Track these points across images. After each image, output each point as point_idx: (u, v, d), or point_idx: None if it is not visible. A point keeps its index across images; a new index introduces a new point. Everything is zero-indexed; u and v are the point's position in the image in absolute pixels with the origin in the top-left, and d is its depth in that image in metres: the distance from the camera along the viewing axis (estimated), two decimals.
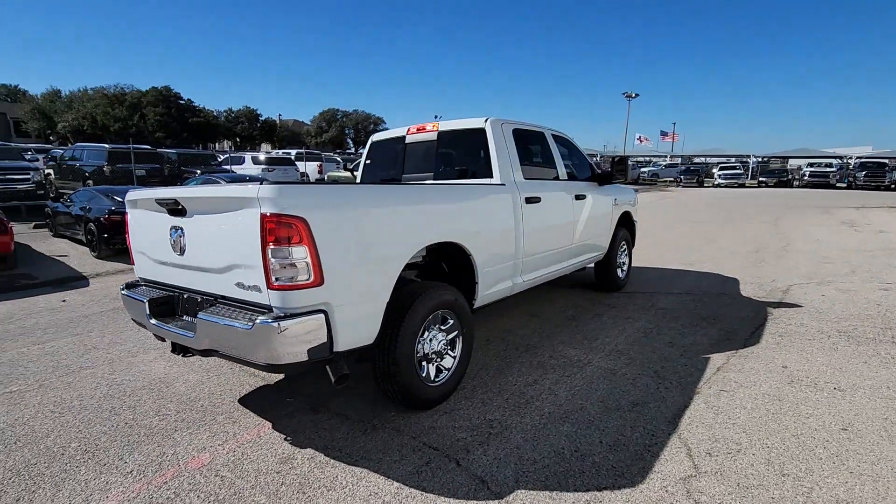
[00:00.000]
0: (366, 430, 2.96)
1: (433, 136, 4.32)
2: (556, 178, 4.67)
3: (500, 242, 3.72)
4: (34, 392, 3.62)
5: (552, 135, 4.85)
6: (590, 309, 5.41)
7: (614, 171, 5.40)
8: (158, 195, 2.83)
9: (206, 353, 2.66)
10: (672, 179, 41.20)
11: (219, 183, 11.14)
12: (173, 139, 48.48)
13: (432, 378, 3.15)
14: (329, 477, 2.50)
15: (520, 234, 3.91)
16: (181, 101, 52.58)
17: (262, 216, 2.26)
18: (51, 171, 16.23)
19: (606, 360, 3.93)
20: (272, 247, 2.27)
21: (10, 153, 13.77)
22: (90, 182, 14.59)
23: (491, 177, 3.92)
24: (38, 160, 16.19)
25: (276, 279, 2.30)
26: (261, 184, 2.28)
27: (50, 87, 60.78)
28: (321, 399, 3.37)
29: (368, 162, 4.92)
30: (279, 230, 2.25)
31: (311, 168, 20.23)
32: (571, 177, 5.17)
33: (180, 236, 2.74)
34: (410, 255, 2.87)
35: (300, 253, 2.29)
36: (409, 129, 4.56)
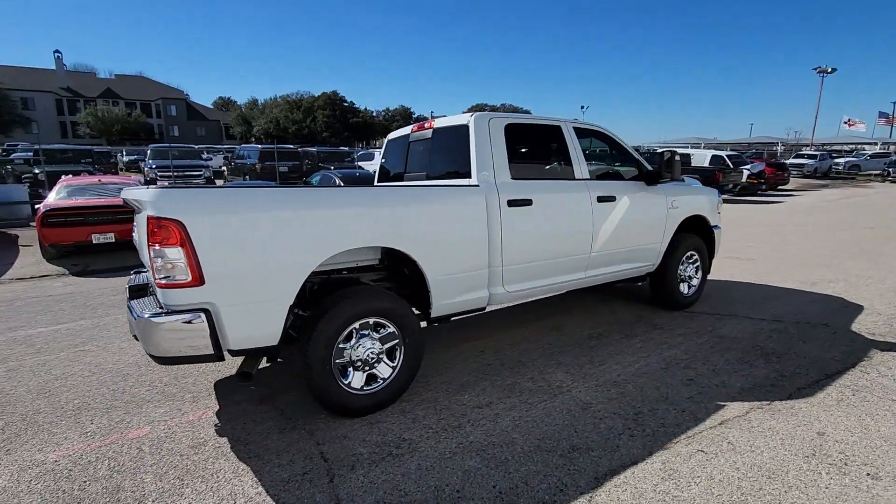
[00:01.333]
0: (285, 428, 3.02)
1: (429, 133, 4.16)
2: (572, 178, 4.13)
3: (465, 249, 3.43)
4: (95, 352, 4.43)
5: (574, 128, 4.29)
6: (626, 327, 4.70)
7: (661, 169, 4.55)
8: (123, 195, 3.23)
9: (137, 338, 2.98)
10: (878, 173, 33.14)
11: (332, 179, 12.17)
12: (337, 138, 54.58)
13: (359, 386, 3.07)
14: (214, 469, 2.62)
15: (498, 240, 3.57)
16: (345, 104, 58.85)
17: (148, 218, 2.44)
18: (225, 167, 19.52)
19: (590, 392, 3.39)
20: (155, 247, 2.43)
21: (190, 154, 17.02)
22: (247, 177, 17.23)
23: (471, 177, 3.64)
24: (211, 159, 19.69)
25: (159, 277, 2.46)
26: (147, 187, 2.46)
27: (250, 96, 73.02)
28: (277, 391, 3.52)
29: (383, 161, 4.93)
30: (159, 231, 2.41)
31: None
32: (607, 175, 4.53)
33: (134, 231, 3.11)
34: (319, 260, 2.81)
35: (176, 254, 2.42)
36: (413, 127, 4.45)
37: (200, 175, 15.51)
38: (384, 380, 3.17)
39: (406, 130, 4.57)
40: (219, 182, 17.81)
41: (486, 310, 4.00)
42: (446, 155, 3.96)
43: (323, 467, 2.60)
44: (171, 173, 14.70)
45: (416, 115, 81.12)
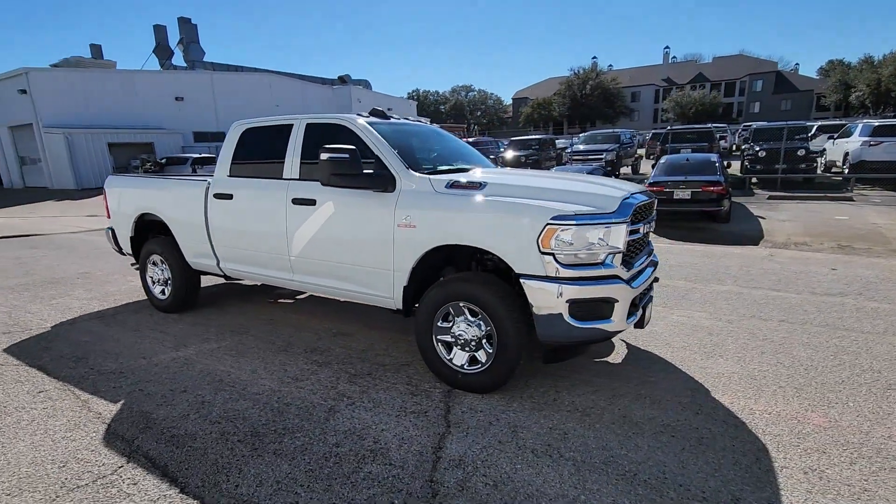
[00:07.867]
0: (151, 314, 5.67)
1: None
2: (279, 176, 4.04)
3: (189, 225, 4.67)
4: None
5: (310, 124, 3.99)
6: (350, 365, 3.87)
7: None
8: None
9: None
10: None
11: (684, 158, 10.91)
12: None
13: (156, 294, 5.29)
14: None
15: (207, 223, 4.53)
16: None
17: None
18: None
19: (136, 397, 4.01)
20: (102, 200, 5.72)
21: (611, 138, 18.19)
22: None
23: None
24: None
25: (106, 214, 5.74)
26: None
27: (864, 54, 58.23)
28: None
29: None
30: (103, 194, 5.66)
31: None
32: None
33: None
34: (136, 215, 5.16)
35: (105, 204, 5.61)
36: None
37: (601, 159, 16.60)
38: (166, 297, 5.20)
39: None
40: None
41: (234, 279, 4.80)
42: None
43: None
44: (576, 157, 16.90)
45: None
